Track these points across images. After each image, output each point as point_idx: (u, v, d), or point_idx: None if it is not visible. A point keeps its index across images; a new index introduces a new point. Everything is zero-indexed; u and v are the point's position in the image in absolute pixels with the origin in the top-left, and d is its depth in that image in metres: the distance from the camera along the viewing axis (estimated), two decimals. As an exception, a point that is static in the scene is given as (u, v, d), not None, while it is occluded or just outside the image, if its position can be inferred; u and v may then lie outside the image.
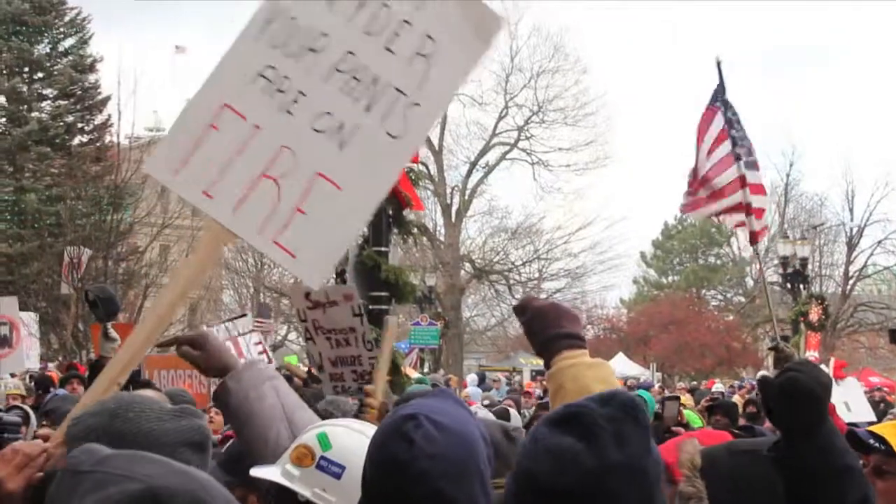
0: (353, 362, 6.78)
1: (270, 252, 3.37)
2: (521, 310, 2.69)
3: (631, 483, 1.56)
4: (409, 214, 9.66)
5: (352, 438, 2.67)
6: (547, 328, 2.56)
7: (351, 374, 6.80)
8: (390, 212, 9.08)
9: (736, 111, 7.52)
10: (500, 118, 47.05)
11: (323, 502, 2.58)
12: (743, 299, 55.98)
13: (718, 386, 27.80)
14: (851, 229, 51.25)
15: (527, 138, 47.11)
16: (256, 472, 2.73)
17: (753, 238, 7.53)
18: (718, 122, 7.50)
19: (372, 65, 3.40)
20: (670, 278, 64.53)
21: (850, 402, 9.70)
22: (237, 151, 3.34)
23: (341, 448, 2.64)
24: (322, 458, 2.63)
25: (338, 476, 2.60)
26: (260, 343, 11.00)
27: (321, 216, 3.34)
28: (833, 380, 10.03)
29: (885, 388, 24.94)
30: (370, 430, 2.71)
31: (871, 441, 2.93)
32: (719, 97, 7.54)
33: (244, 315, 14.35)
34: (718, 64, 7.46)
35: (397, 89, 3.40)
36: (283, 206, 3.33)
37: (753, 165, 7.63)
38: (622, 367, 36.72)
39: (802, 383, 2.42)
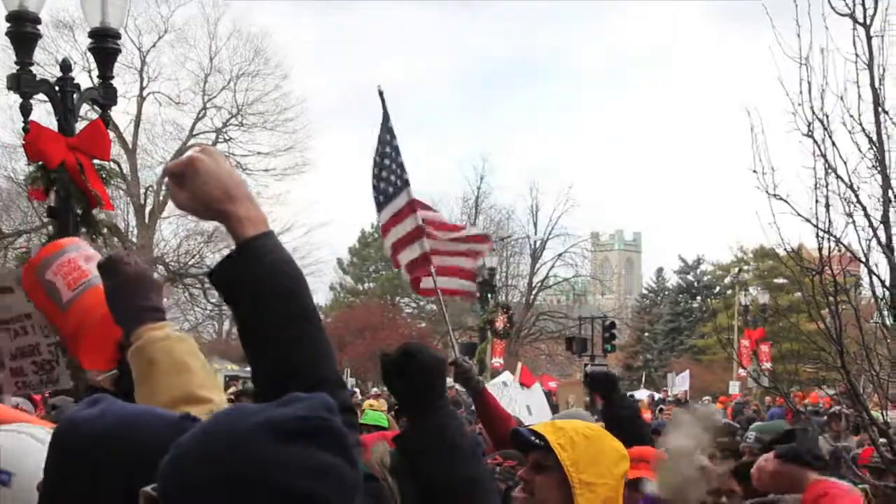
0: (32, 352, 6.36)
1: None
2: (110, 271, 2.57)
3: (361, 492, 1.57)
4: (98, 213, 9.22)
5: (15, 441, 2.52)
6: (137, 297, 2.51)
7: (31, 365, 6.39)
8: (78, 210, 8.63)
9: (395, 137, 7.51)
10: (198, 119, 46.08)
11: None
12: (434, 307, 57.84)
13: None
14: (535, 242, 54.37)
15: (225, 140, 46.37)
16: None
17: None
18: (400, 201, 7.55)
19: None
20: (366, 285, 65.65)
21: (532, 406, 10.20)
22: None
23: (6, 454, 2.48)
24: None
25: (6, 483, 2.44)
26: None
27: None
28: (520, 385, 10.56)
29: (562, 393, 26.71)
30: (33, 429, 2.60)
31: (533, 438, 3.15)
32: (385, 126, 7.57)
33: None
34: (381, 94, 7.46)
35: None
36: None
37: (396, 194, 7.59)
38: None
39: (411, 360, 2.59)
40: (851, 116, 5.37)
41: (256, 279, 1.96)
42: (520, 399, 10.27)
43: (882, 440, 5.71)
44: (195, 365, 2.42)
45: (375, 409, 11.04)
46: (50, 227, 9.12)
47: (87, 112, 12.32)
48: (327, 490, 1.49)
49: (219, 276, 2.02)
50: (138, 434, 1.94)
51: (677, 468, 2.83)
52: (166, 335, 2.46)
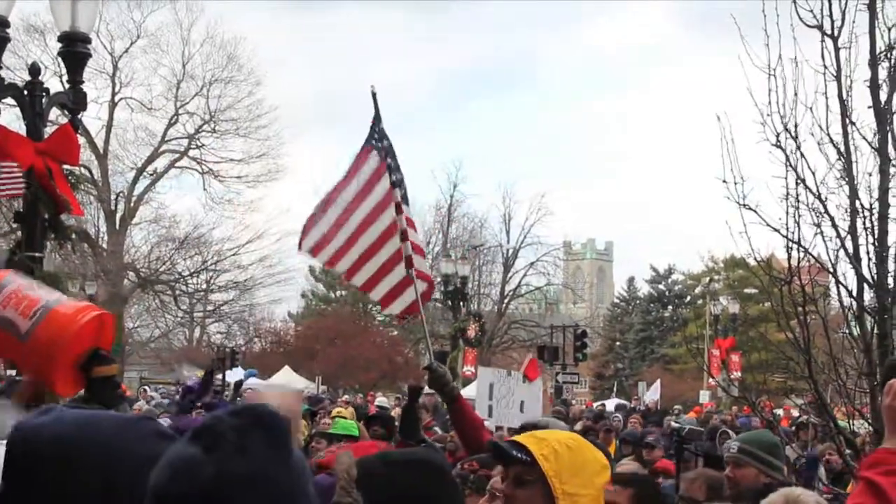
0: None
1: None
2: None
3: (253, 492, 1.58)
4: (67, 219, 9.13)
5: None
6: None
7: None
8: (45, 215, 8.54)
9: (386, 137, 7.50)
10: (171, 125, 45.88)
11: None
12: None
13: (382, 399, 28.49)
14: (508, 251, 54.38)
15: (197, 147, 46.20)
16: None
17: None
18: (373, 163, 7.43)
19: None
20: (338, 293, 65.36)
21: (526, 402, 9.95)
22: None
23: None
24: None
25: None
26: None
27: None
28: (525, 377, 10.36)
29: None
30: None
31: (514, 452, 2.98)
32: (376, 127, 7.55)
33: None
34: (374, 95, 7.49)
35: None
36: None
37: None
38: (288, 380, 36.65)
39: None
40: (820, 127, 5.41)
41: None
42: (517, 392, 10.11)
43: (848, 450, 5.74)
44: None
45: (343, 417, 10.97)
46: (18, 233, 9.04)
47: (58, 117, 12.23)
48: (167, 478, 1.59)
49: None
50: (101, 433, 1.94)
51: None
52: None
